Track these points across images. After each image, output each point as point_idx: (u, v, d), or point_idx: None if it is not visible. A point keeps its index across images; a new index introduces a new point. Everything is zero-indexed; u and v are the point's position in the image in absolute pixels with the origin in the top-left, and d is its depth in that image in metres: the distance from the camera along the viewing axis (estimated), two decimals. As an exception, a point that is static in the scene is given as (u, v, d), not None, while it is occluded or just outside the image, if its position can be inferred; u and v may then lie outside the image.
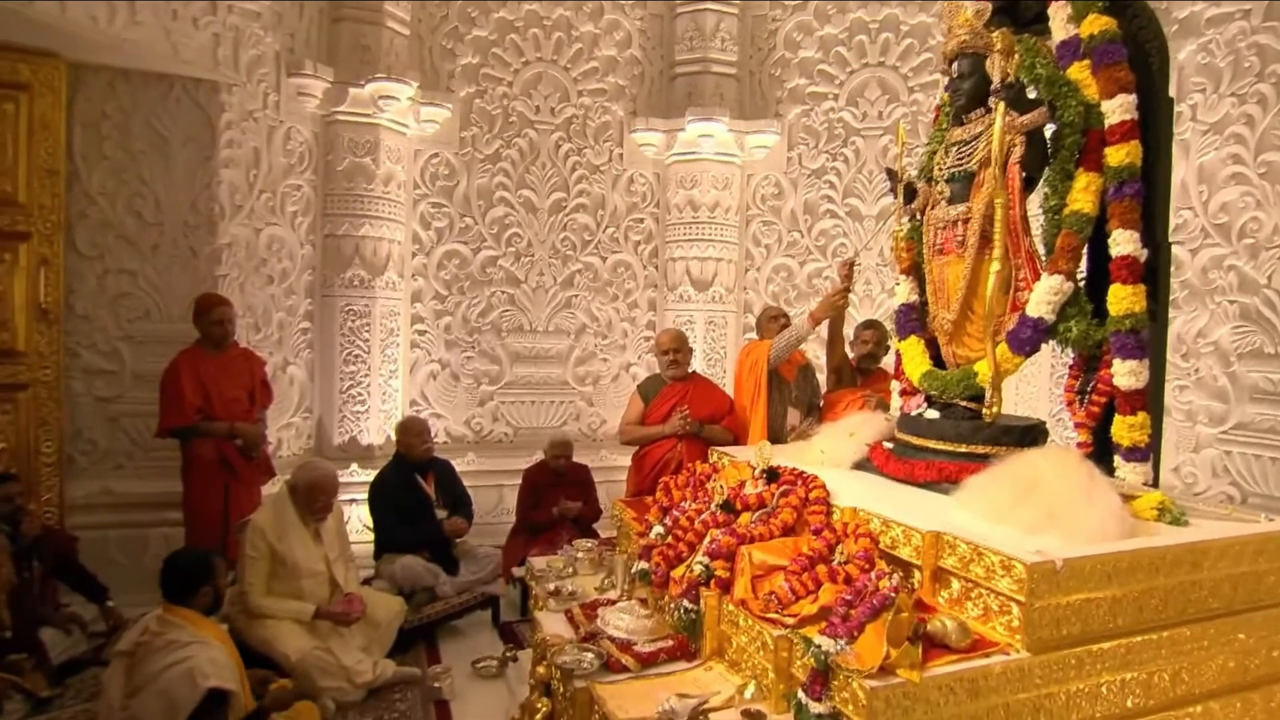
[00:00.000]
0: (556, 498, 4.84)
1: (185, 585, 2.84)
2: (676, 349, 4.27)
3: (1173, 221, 3.66)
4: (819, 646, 1.77)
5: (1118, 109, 2.46)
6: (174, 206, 4.68)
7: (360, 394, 5.57)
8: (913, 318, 3.01)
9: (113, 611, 4.04)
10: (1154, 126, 2.60)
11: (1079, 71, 2.57)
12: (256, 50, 4.93)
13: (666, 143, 6.27)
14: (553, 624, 2.71)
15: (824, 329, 4.14)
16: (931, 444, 2.61)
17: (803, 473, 2.64)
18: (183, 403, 3.96)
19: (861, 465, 2.86)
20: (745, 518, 2.54)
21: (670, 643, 2.35)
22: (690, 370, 4.43)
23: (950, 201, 2.67)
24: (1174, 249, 3.68)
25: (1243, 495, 3.48)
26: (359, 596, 3.65)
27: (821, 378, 4.46)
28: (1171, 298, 3.68)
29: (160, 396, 4.04)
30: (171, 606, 2.79)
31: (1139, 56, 2.60)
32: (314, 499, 3.61)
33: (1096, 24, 2.55)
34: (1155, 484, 2.57)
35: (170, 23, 4.41)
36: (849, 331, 4.52)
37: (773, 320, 4.39)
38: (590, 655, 2.30)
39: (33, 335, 4.33)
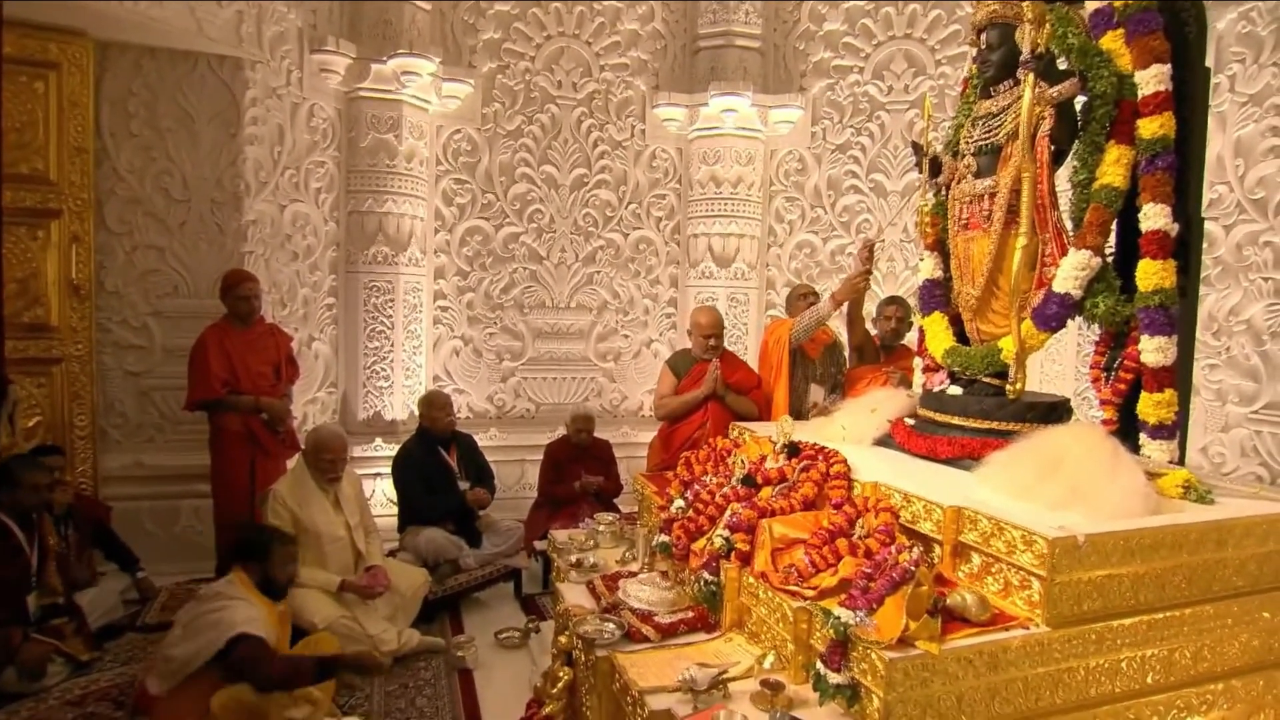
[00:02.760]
0: (578, 472, 4.89)
1: (239, 552, 2.97)
2: (718, 334, 4.25)
3: (1207, 196, 3.58)
4: (838, 618, 1.79)
5: (1151, 80, 2.40)
6: (200, 183, 4.74)
7: (384, 369, 5.63)
8: (937, 294, 2.98)
9: (144, 581, 4.17)
10: (1189, 98, 2.54)
11: (1112, 41, 2.51)
12: (279, 27, 4.95)
13: (689, 118, 6.23)
14: (575, 595, 2.75)
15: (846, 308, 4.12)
16: (954, 420, 2.60)
17: (824, 448, 2.65)
18: (209, 376, 4.03)
19: (883, 441, 2.85)
20: (766, 492, 2.55)
21: (690, 614, 2.38)
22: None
23: (977, 176, 2.63)
24: (1207, 224, 3.61)
25: (1272, 476, 3.43)
26: (383, 570, 3.72)
27: (846, 355, 4.45)
28: (1204, 274, 3.61)
29: (188, 371, 4.12)
30: (238, 568, 2.92)
31: (1175, 25, 2.53)
32: (320, 457, 3.68)
33: (1131, -8, 2.48)
34: (1181, 462, 2.54)
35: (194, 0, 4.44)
36: (872, 308, 4.49)
37: (802, 298, 4.37)
38: (611, 626, 2.33)
39: (65, 311, 4.43)
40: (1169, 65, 2.41)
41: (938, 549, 2.11)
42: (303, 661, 2.83)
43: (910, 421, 2.80)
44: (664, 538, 2.61)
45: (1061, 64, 2.51)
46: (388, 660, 3.58)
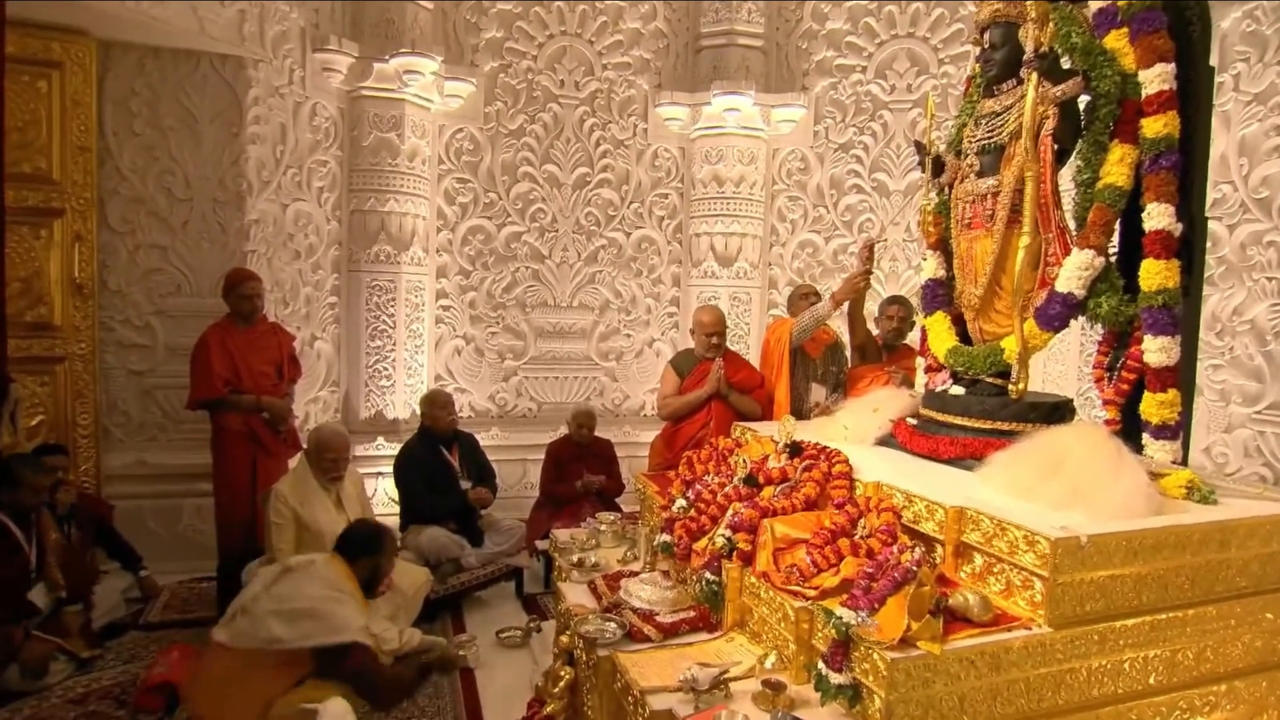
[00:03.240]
0: (580, 471, 4.89)
1: (354, 547, 2.95)
2: (720, 331, 4.24)
3: (1210, 196, 3.57)
4: (840, 618, 1.78)
5: (1155, 79, 2.40)
6: (203, 182, 4.74)
7: (386, 369, 5.63)
8: (939, 293, 2.97)
9: (147, 580, 4.17)
10: (1193, 97, 2.53)
11: (1116, 40, 2.50)
12: (282, 26, 4.95)
13: (691, 117, 6.22)
14: (576, 595, 2.75)
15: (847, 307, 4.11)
16: (956, 420, 2.59)
17: (825, 448, 2.64)
18: (211, 375, 4.02)
19: (885, 441, 2.85)
20: (768, 491, 2.55)
21: (692, 614, 2.38)
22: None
23: (980, 175, 2.63)
24: (1211, 224, 3.59)
25: (1276, 476, 3.42)
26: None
27: (848, 354, 4.44)
28: (1208, 274, 3.60)
29: (190, 370, 4.12)
30: (339, 558, 2.91)
31: (1179, 24, 2.52)
32: (323, 457, 3.68)
33: (1135, -10, 2.47)
34: (1184, 463, 2.54)
35: (197, -1, 4.44)
36: (875, 308, 4.49)
37: (803, 298, 4.37)
38: (613, 625, 2.33)
39: (68, 310, 4.43)
40: (1173, 64, 2.40)
41: (940, 549, 2.11)
42: (403, 676, 2.90)
43: (912, 421, 2.79)
44: (666, 537, 2.61)
45: (1065, 63, 2.50)
46: (389, 660, 3.57)
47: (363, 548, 2.93)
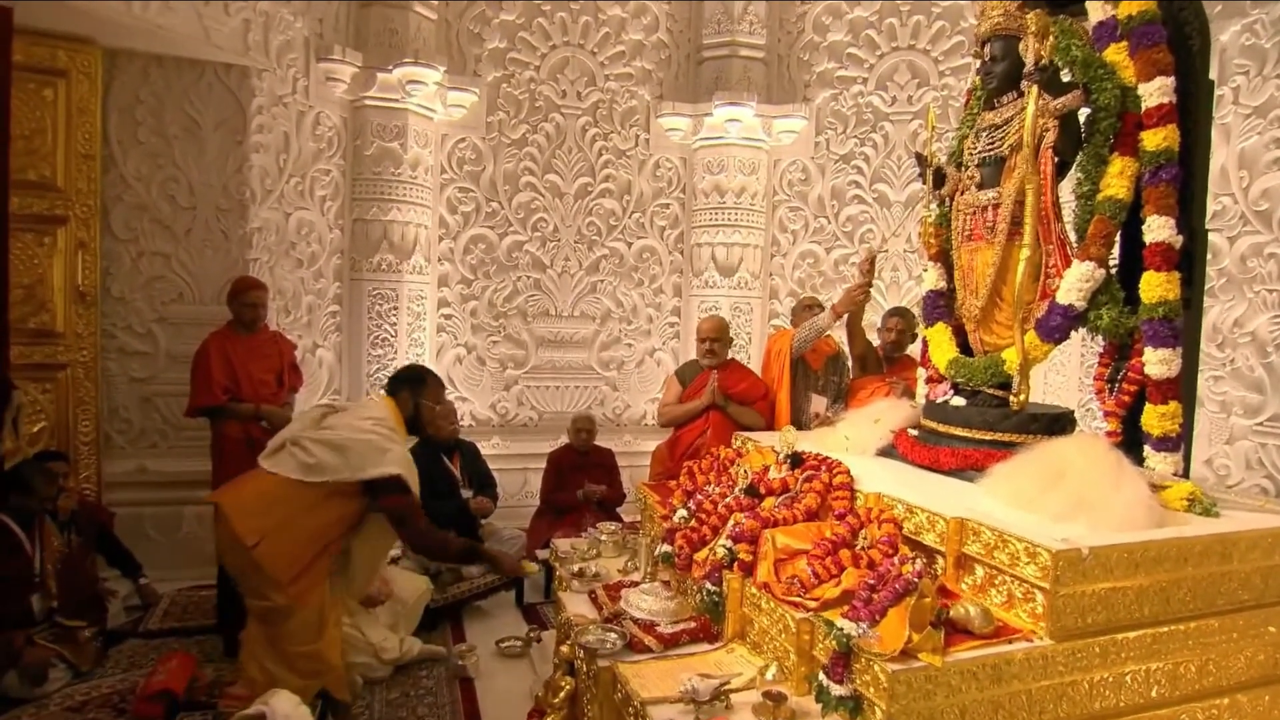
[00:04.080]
0: (581, 480, 4.89)
1: (395, 382, 3.03)
2: (715, 339, 4.23)
3: (1210, 208, 3.58)
4: (841, 629, 1.78)
5: (1155, 92, 2.41)
6: (206, 190, 4.76)
7: (387, 377, 5.63)
8: (940, 304, 2.98)
9: (147, 588, 4.16)
10: (1193, 110, 2.55)
11: (1116, 54, 2.52)
12: (286, 35, 4.98)
13: (693, 127, 6.24)
14: (576, 605, 2.74)
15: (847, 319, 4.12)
16: (957, 431, 2.59)
17: (827, 458, 2.64)
18: (211, 383, 4.01)
19: (886, 452, 2.85)
20: (769, 502, 2.54)
21: (693, 624, 2.37)
22: (729, 358, 4.44)
23: (980, 187, 2.64)
24: (1211, 236, 3.60)
25: (1277, 488, 3.41)
26: (385, 577, 3.71)
27: (849, 365, 4.45)
28: (1208, 286, 3.61)
29: (190, 377, 4.11)
30: (385, 396, 2.99)
31: (1179, 38, 2.54)
32: None
33: (1135, 5, 2.49)
34: (1186, 475, 2.53)
35: (202, 8, 4.46)
36: (877, 319, 4.50)
37: (806, 309, 4.39)
38: (614, 635, 2.32)
39: (71, 317, 4.44)
40: (1173, 78, 2.42)
41: (941, 560, 2.10)
42: (453, 539, 2.96)
43: (913, 432, 2.79)
44: (666, 547, 2.60)
45: (1065, 76, 2.52)
46: (388, 669, 3.57)
47: (402, 380, 2.96)
